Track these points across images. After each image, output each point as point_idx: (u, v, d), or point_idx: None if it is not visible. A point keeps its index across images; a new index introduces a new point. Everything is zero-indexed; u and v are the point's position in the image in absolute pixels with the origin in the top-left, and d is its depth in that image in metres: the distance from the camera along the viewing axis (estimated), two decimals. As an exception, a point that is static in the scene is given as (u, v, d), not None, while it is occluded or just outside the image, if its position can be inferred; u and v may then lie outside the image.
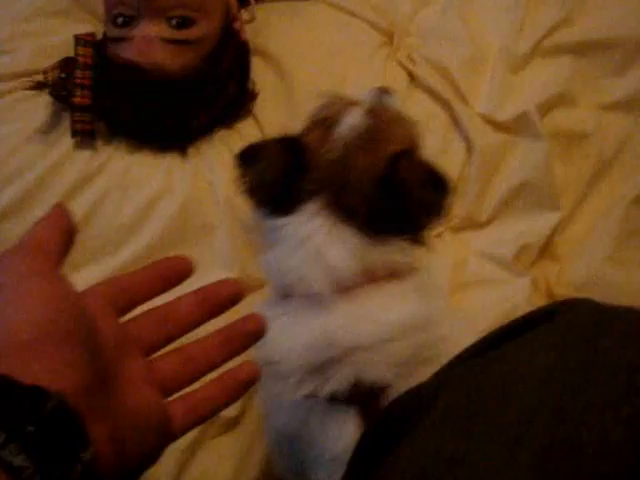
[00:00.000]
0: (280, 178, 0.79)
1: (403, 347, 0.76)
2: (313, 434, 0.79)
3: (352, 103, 0.86)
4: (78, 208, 1.14)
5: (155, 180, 1.17)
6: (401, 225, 0.78)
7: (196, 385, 0.51)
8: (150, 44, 1.13)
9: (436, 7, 1.33)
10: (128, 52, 1.14)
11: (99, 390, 0.41)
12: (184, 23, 1.14)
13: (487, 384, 0.57)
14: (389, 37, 1.31)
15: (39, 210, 1.15)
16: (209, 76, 1.17)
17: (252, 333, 0.51)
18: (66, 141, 1.18)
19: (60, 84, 1.16)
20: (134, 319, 0.51)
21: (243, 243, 1.13)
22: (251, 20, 1.30)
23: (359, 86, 1.20)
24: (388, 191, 0.77)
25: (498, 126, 1.21)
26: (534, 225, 1.18)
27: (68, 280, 0.43)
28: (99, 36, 1.21)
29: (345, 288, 0.76)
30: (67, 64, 1.17)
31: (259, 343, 0.52)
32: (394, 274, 0.78)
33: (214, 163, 1.20)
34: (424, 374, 0.67)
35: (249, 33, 1.28)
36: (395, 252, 0.78)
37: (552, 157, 1.20)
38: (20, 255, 0.43)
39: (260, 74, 1.26)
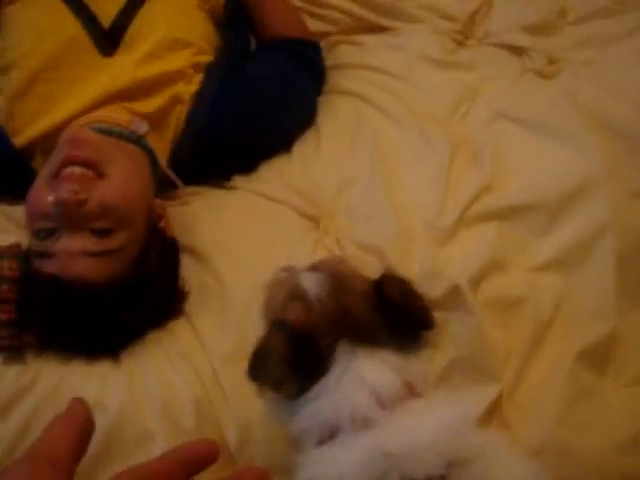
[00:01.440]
0: (293, 361, 0.85)
1: (446, 446, 0.79)
2: None
3: (292, 271, 0.94)
4: (10, 426, 1.10)
5: (89, 390, 1.13)
6: (411, 331, 0.88)
7: None
8: (72, 258, 1.12)
9: (360, 186, 1.35)
10: (51, 267, 1.13)
11: None
12: (105, 233, 1.14)
13: None
14: (316, 221, 1.33)
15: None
16: (136, 280, 1.17)
17: None
18: (-6, 357, 1.15)
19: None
20: None
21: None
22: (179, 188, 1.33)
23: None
24: (387, 309, 0.87)
25: (431, 304, 1.19)
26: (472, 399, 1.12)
27: None
28: (25, 245, 1.20)
29: (390, 405, 0.82)
30: (-9, 279, 1.16)
31: None
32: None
33: (148, 366, 1.17)
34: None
35: (176, 229, 1.29)
36: (418, 361, 0.87)
37: (489, 326, 1.19)
38: (25, 470, 0.39)
39: (190, 272, 1.26)
